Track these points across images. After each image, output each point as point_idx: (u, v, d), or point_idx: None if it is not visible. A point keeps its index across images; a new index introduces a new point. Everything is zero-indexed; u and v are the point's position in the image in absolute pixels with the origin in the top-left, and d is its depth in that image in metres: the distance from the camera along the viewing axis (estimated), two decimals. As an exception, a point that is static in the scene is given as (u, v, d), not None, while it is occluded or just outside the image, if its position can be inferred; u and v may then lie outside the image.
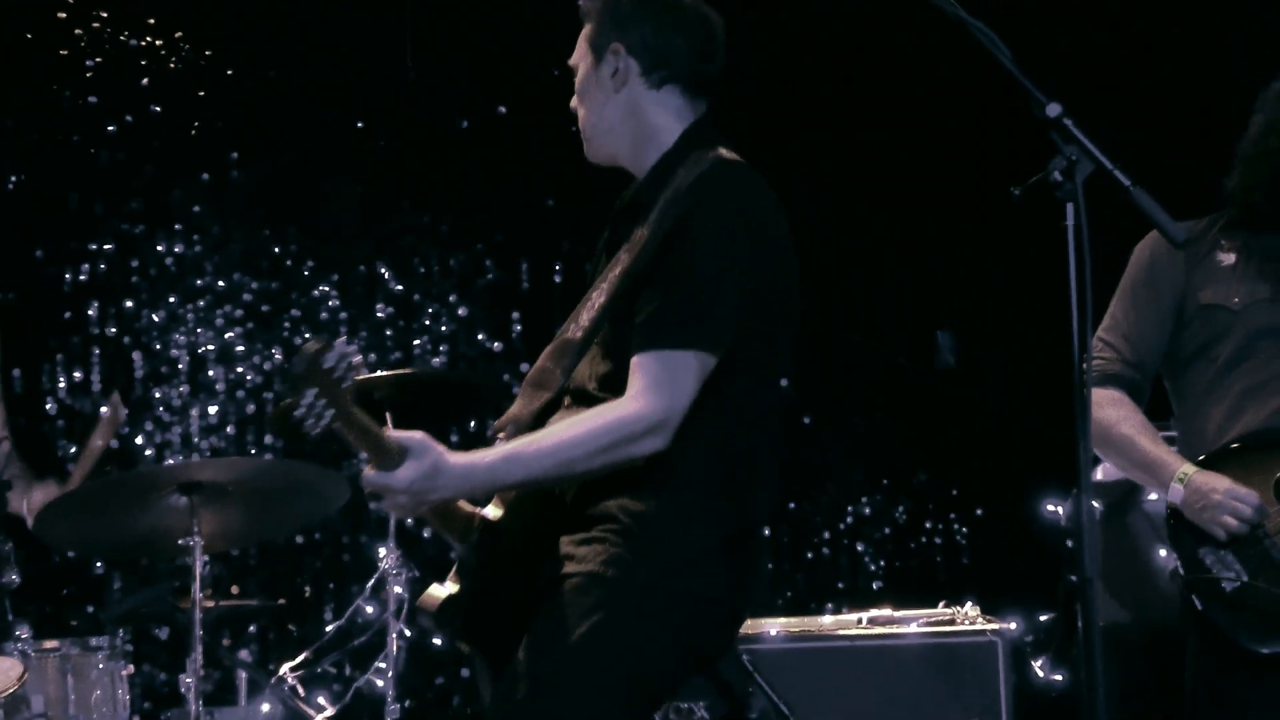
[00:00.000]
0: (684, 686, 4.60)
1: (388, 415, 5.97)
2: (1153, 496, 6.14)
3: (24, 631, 5.62)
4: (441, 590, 4.40)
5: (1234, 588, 4.92)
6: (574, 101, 4.56)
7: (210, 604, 5.93)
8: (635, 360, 4.14)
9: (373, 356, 8.00)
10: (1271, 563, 4.93)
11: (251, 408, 7.93)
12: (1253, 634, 4.92)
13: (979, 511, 8.08)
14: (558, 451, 4.14)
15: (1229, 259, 5.19)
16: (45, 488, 6.28)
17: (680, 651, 4.26)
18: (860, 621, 6.68)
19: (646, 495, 4.22)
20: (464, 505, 4.44)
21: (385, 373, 6.12)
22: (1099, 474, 6.22)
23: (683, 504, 4.23)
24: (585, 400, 4.24)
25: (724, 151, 4.44)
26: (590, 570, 4.17)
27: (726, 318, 4.18)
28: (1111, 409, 5.18)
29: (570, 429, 4.15)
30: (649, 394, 4.11)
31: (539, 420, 4.27)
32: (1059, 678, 6.82)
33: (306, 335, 7.89)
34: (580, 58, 4.52)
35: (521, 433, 4.27)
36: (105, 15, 7.91)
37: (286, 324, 7.93)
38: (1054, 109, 3.99)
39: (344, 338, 4.19)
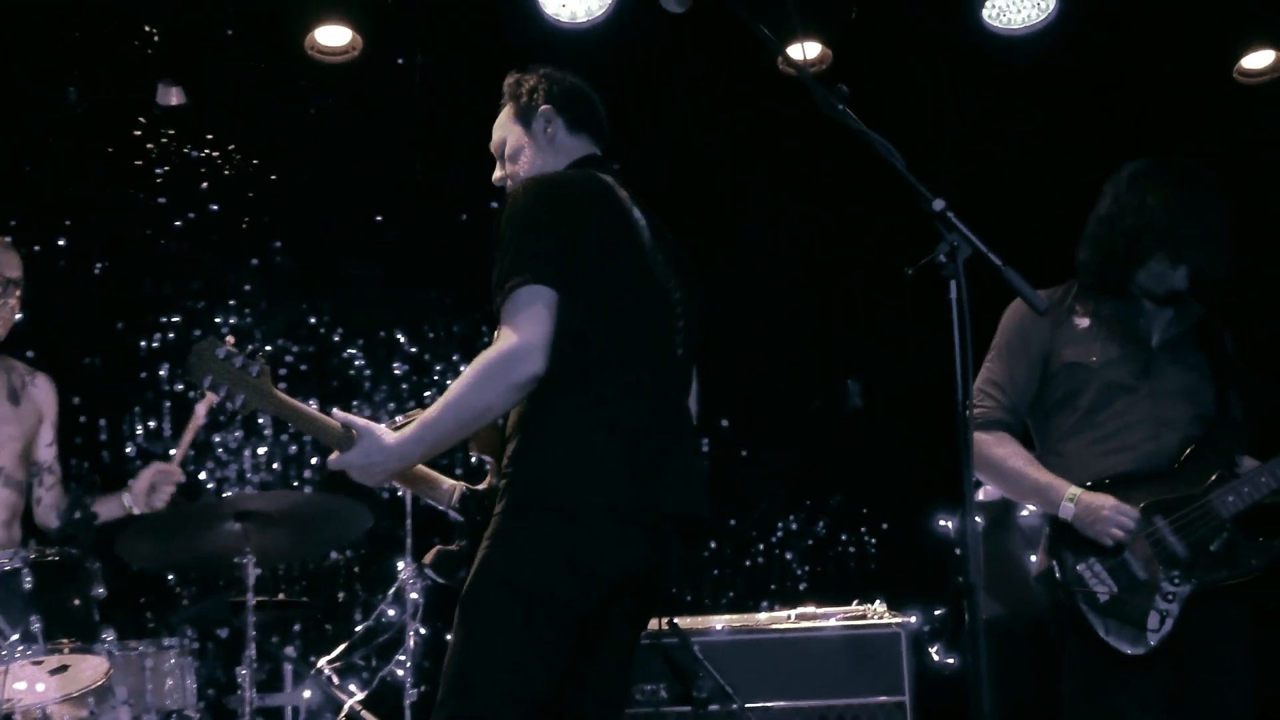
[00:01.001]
0: (613, 620, 4.40)
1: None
2: (1024, 512, 6.16)
3: (109, 635, 5.57)
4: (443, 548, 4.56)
5: (1106, 597, 4.92)
6: (499, 173, 4.80)
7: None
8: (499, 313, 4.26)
9: (391, 405, 7.99)
10: (1136, 580, 4.94)
11: (294, 449, 7.90)
12: (1120, 637, 4.93)
13: (884, 526, 8.07)
14: (450, 401, 4.22)
15: (1084, 322, 5.19)
16: (152, 469, 6.25)
17: (574, 568, 4.20)
18: (789, 617, 6.68)
19: (520, 433, 4.29)
20: (440, 478, 4.63)
21: (400, 419, 6.09)
22: (980, 495, 6.24)
23: (548, 433, 4.25)
24: None
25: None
26: (495, 513, 4.25)
27: (546, 255, 4.25)
28: (999, 448, 5.16)
29: (458, 381, 4.23)
30: (506, 331, 4.20)
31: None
32: (951, 661, 6.81)
33: (334, 384, 7.90)
34: (505, 133, 4.78)
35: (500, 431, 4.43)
36: (172, 133, 7.91)
37: (321, 381, 7.91)
38: (939, 204, 3.99)
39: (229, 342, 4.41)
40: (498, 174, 4.80)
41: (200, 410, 6.12)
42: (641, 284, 4.50)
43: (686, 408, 4.56)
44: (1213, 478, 5.04)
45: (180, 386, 7.83)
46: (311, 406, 4.40)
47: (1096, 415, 5.14)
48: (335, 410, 4.32)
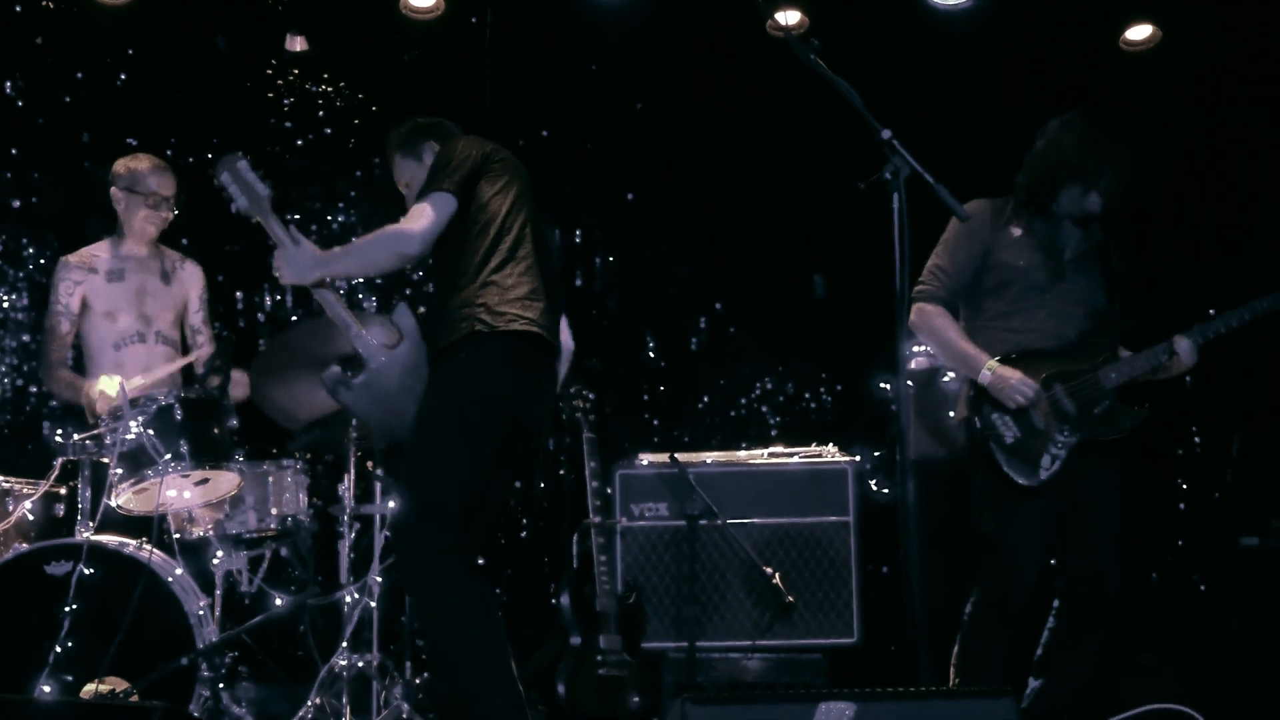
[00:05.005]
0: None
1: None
2: (946, 378, 6.12)
3: (240, 456, 5.60)
4: None
5: (1011, 440, 4.99)
6: (411, 201, 4.82)
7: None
8: None
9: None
10: (1035, 430, 5.00)
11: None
12: (1018, 472, 5.02)
13: (839, 387, 8.02)
14: (354, 249, 4.51)
15: (1017, 232, 5.18)
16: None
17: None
18: (764, 455, 6.65)
19: None
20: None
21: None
22: (912, 365, 6.21)
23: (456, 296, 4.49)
24: None
25: None
26: None
27: (450, 175, 4.46)
28: (938, 319, 5.19)
29: (367, 237, 4.47)
30: (408, 219, 4.42)
31: None
32: (885, 490, 6.81)
33: (419, 275, 7.82)
34: (403, 173, 5.01)
35: None
36: (297, 71, 7.84)
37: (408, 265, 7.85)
38: (886, 133, 4.05)
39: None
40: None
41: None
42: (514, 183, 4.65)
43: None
44: (1101, 358, 5.11)
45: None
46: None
47: (1017, 306, 5.17)
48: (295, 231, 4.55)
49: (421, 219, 4.40)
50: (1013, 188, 5.27)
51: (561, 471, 7.48)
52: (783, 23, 5.58)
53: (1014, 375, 5.01)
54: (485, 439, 4.39)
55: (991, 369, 5.03)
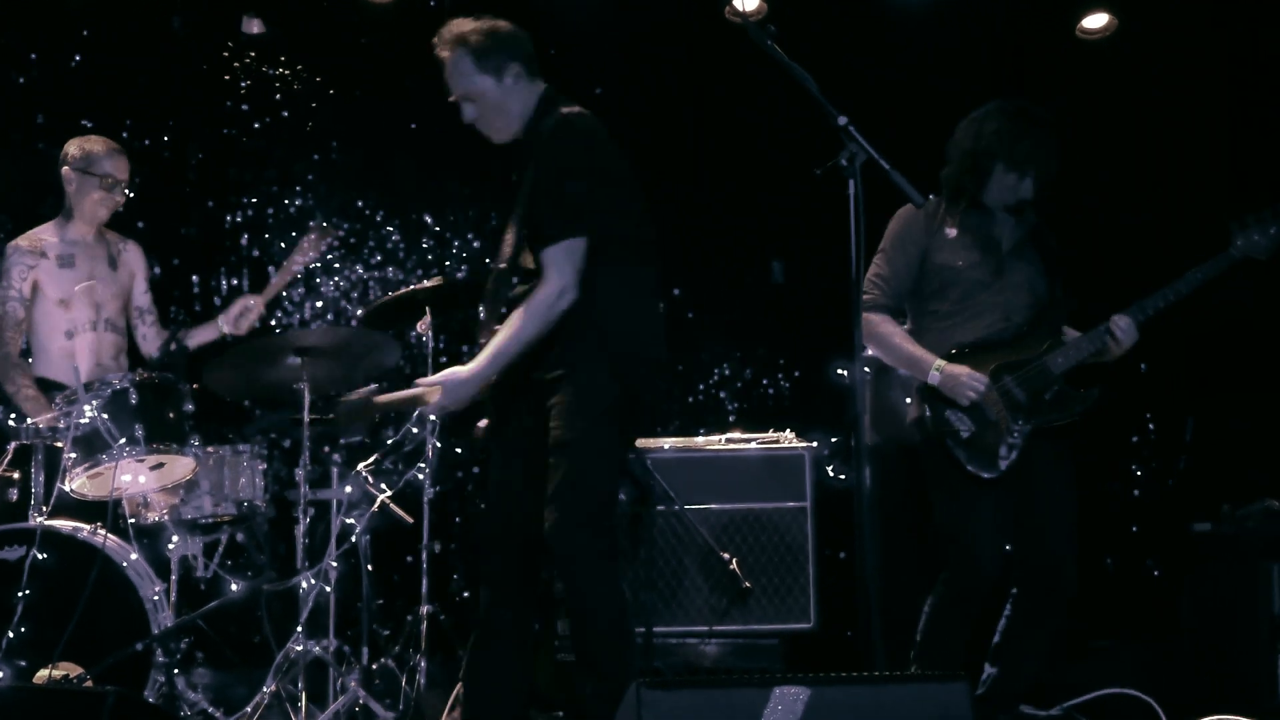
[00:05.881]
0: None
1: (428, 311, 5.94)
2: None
3: (196, 440, 5.57)
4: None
5: (967, 435, 5.06)
6: (471, 116, 4.59)
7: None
8: (543, 254, 4.33)
9: (419, 272, 7.91)
10: (989, 422, 5.07)
11: (344, 304, 7.84)
12: (978, 465, 5.09)
13: (796, 373, 8.05)
14: (515, 336, 4.35)
15: (952, 232, 5.23)
16: (242, 300, 6.32)
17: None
18: (721, 440, 6.66)
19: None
20: None
21: (426, 283, 6.05)
22: (869, 351, 6.23)
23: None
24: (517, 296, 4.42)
25: (564, 108, 4.50)
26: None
27: (580, 210, 4.33)
28: (883, 326, 5.24)
29: (517, 318, 4.34)
30: (553, 273, 4.30)
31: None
32: (843, 476, 6.83)
33: (377, 258, 7.81)
34: (472, 86, 4.53)
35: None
36: (253, 54, 7.82)
37: (365, 248, 7.84)
38: (842, 119, 4.05)
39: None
40: (472, 116, 4.59)
41: (292, 263, 6.24)
42: (638, 214, 4.55)
43: None
44: (1045, 345, 5.17)
45: (256, 252, 7.77)
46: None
47: (961, 304, 5.23)
48: (419, 381, 4.49)
49: (560, 275, 4.31)
50: (940, 185, 5.33)
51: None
52: (740, 8, 5.58)
53: (962, 372, 5.07)
54: (619, 453, 4.61)
55: (939, 368, 5.10)
